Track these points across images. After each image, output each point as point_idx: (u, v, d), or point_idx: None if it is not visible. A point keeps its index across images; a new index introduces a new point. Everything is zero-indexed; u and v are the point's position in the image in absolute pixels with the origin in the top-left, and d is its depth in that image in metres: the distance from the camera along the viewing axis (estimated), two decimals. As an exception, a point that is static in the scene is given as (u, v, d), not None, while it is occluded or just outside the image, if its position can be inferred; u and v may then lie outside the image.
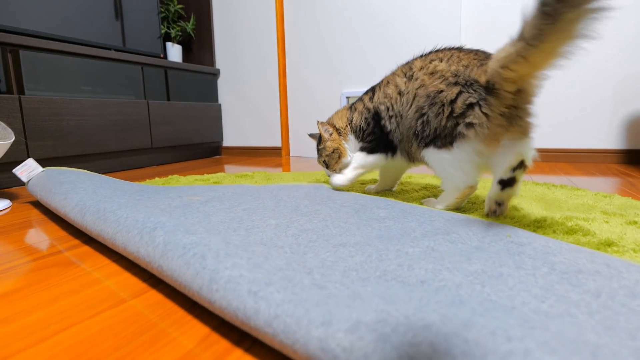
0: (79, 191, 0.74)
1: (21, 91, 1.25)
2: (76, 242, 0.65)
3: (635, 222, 0.60)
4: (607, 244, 0.52)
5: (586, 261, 0.43)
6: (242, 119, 2.16)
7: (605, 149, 1.48)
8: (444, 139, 0.68)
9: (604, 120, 1.47)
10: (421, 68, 0.74)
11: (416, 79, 0.73)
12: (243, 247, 0.44)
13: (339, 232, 0.57)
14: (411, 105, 0.73)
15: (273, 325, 0.31)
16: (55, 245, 0.64)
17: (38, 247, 0.64)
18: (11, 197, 1.07)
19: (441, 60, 0.72)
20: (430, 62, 0.73)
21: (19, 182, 1.25)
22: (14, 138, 0.94)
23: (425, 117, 0.70)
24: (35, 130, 1.25)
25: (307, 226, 0.59)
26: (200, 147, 2.07)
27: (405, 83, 0.75)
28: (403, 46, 1.69)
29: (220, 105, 2.17)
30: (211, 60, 2.17)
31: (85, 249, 0.62)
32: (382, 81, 0.85)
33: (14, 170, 0.90)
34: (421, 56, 0.77)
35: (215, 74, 2.16)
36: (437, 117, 0.68)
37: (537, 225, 0.62)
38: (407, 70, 0.77)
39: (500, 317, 0.30)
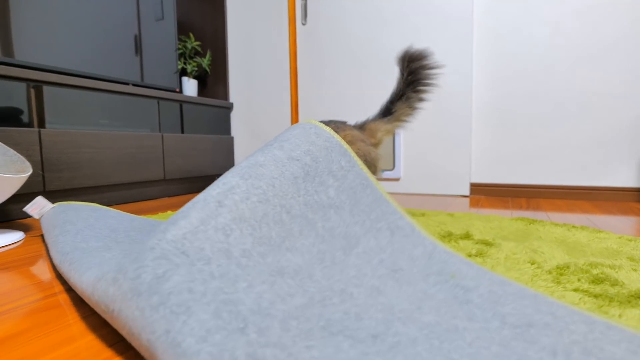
0: (65, 234, 0.71)
1: (41, 124, 1.29)
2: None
3: (666, 271, 0.57)
4: (639, 297, 0.49)
5: (532, 311, 0.42)
6: (254, 151, 2.18)
7: (625, 186, 1.45)
8: None
9: (623, 158, 1.45)
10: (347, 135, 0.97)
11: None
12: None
13: (278, 240, 0.49)
14: None
15: None
16: (59, 284, 0.63)
17: (44, 285, 0.63)
18: (25, 228, 1.07)
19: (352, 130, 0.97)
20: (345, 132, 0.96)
21: (33, 214, 1.26)
22: (31, 171, 0.95)
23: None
24: (53, 162, 1.27)
25: (245, 213, 0.49)
26: (212, 179, 2.09)
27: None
28: (414, 82, 1.71)
29: (232, 137, 2.20)
30: (225, 94, 2.22)
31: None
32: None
33: (24, 209, 0.91)
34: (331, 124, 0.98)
35: (229, 108, 2.21)
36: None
37: (560, 273, 0.60)
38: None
39: None
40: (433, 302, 0.44)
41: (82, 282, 0.47)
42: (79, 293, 0.48)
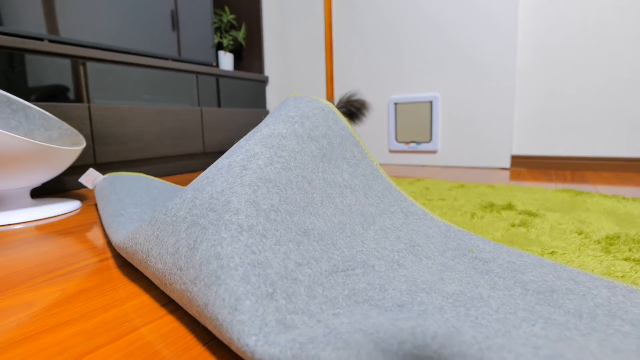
0: (109, 205, 0.77)
1: (88, 100, 1.35)
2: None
3: None
4: (696, 266, 0.47)
5: (553, 277, 0.43)
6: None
7: (682, 158, 1.36)
8: None
9: (680, 127, 1.35)
10: None
11: None
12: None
13: (302, 204, 0.49)
14: None
15: None
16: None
17: (104, 248, 0.68)
18: (80, 198, 1.15)
19: None
20: None
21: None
22: (85, 144, 1.01)
23: None
24: (101, 136, 1.34)
25: (270, 175, 0.50)
26: (248, 152, 2.13)
27: None
28: (455, 50, 1.64)
29: (268, 111, 2.22)
30: (260, 68, 2.23)
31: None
32: None
33: (79, 180, 0.97)
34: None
35: (264, 81, 2.22)
36: None
37: (610, 243, 0.58)
38: None
39: (510, 348, 0.28)
40: (454, 274, 0.45)
41: (113, 241, 0.57)
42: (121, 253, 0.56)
